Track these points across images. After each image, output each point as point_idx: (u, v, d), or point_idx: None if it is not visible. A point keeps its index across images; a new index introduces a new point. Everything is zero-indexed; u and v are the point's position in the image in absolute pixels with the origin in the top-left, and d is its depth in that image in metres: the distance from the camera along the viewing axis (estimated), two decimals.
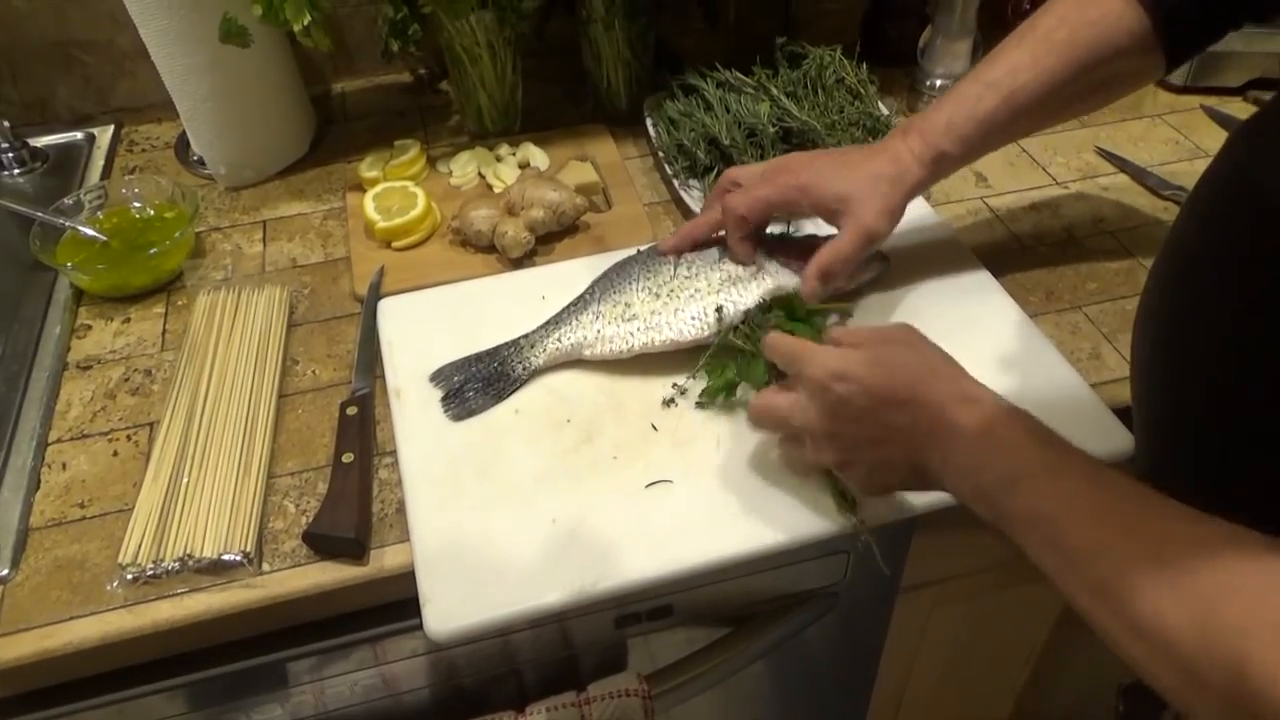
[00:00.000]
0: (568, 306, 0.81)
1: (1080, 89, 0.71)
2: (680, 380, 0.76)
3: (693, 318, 0.76)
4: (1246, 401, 0.56)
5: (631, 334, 0.77)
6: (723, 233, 0.80)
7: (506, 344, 0.79)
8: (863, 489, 0.64)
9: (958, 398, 0.57)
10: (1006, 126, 0.73)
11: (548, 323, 0.80)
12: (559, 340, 0.78)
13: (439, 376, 0.78)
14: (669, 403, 0.75)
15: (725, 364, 0.75)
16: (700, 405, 0.75)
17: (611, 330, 0.77)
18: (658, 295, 0.79)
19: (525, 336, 0.79)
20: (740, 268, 0.79)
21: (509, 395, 0.77)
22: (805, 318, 0.75)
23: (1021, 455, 0.53)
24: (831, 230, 0.76)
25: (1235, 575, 0.42)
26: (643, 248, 0.85)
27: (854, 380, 0.59)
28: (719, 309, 0.76)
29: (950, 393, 0.57)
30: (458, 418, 0.75)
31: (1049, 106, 0.72)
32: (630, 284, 0.80)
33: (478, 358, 0.79)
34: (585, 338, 0.78)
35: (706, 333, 0.76)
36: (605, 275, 0.82)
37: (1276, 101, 0.57)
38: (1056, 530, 0.49)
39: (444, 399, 0.76)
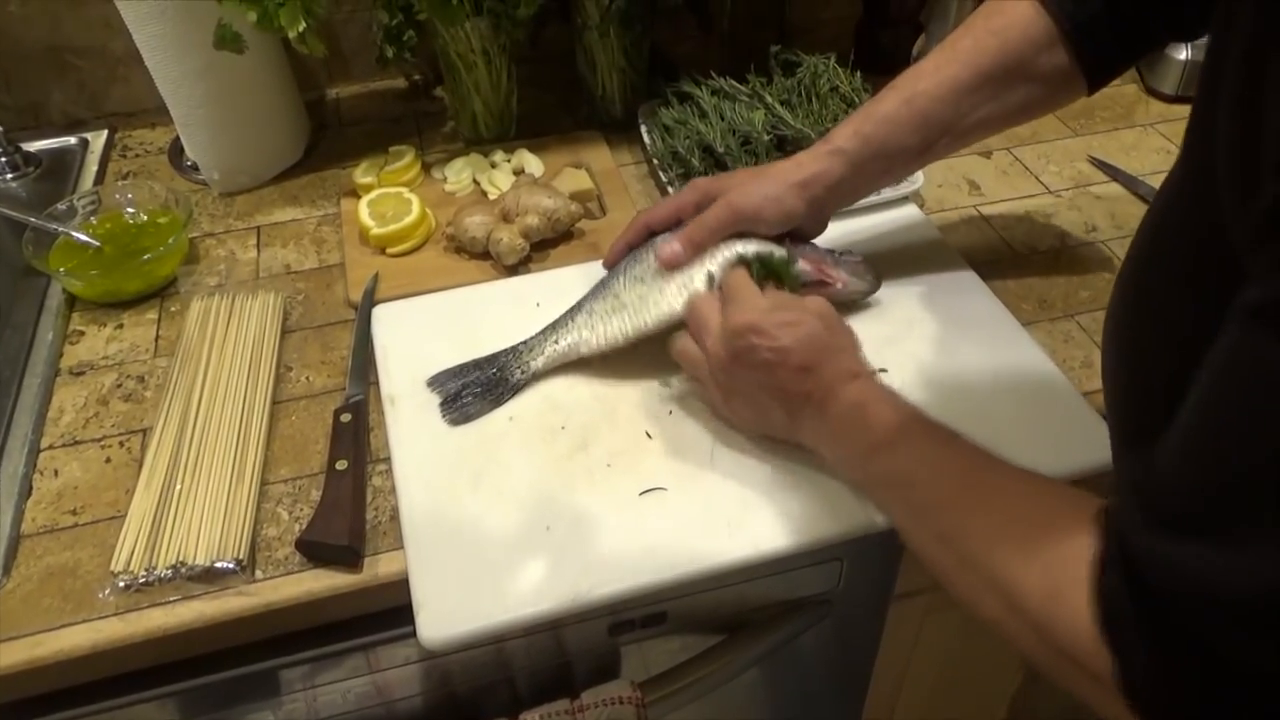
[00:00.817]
0: (564, 313, 0.81)
1: (988, 99, 0.72)
2: (674, 381, 0.76)
3: (680, 287, 0.76)
4: None
5: (624, 320, 0.77)
6: None
7: (505, 350, 0.80)
8: (736, 423, 0.72)
9: (846, 375, 0.64)
10: (914, 130, 0.73)
11: (545, 328, 0.80)
12: (556, 343, 0.78)
13: (436, 382, 0.78)
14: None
15: None
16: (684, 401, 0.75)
17: (604, 324, 0.78)
18: (642, 280, 0.78)
19: (524, 342, 0.80)
20: (719, 249, 0.78)
21: (507, 400, 0.77)
22: (785, 275, 0.75)
23: (883, 427, 0.61)
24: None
25: (1053, 519, 0.48)
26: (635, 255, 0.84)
27: (766, 336, 0.66)
28: (709, 275, 0.75)
29: (842, 370, 0.65)
30: (455, 423, 0.75)
31: (958, 114, 0.73)
32: (617, 277, 0.80)
33: (476, 364, 0.79)
34: (581, 336, 0.78)
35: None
36: (599, 282, 0.82)
37: None
38: (910, 488, 0.58)
39: (443, 404, 0.76)
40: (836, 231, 0.85)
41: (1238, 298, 0.39)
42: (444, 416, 0.76)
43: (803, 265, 0.77)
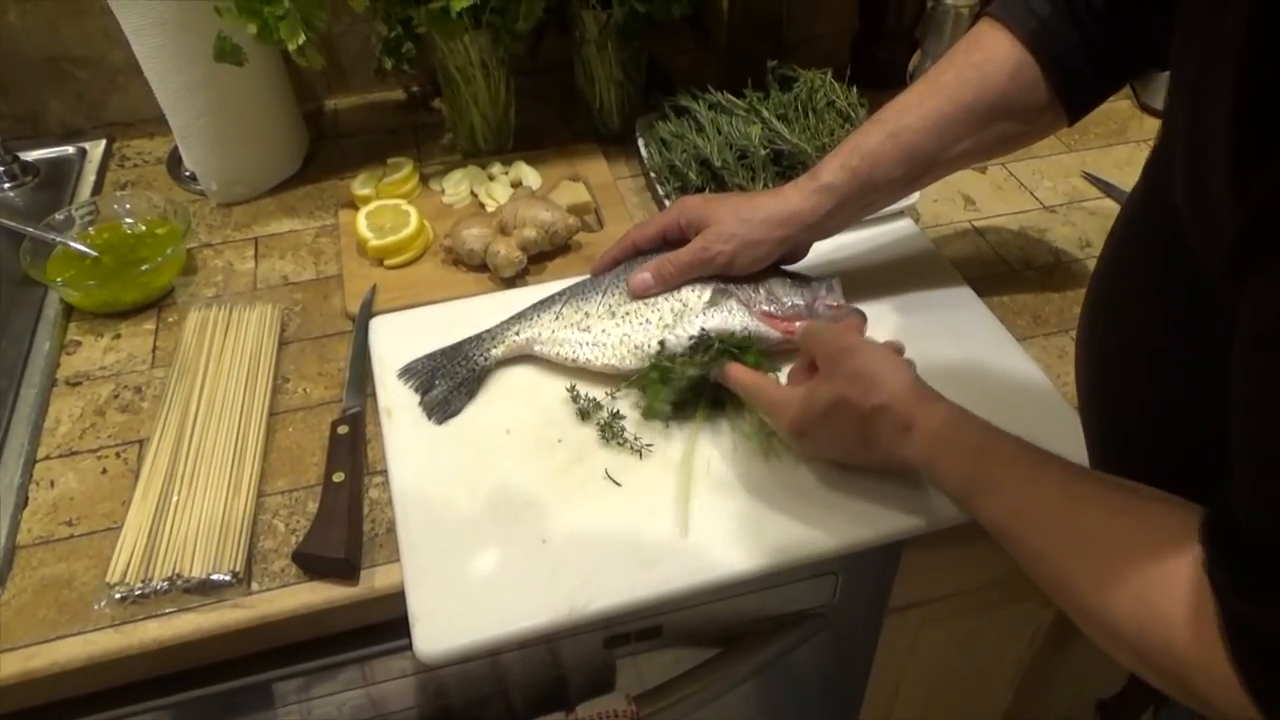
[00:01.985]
0: (536, 303, 0.82)
1: (972, 131, 0.73)
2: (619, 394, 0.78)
3: (636, 346, 0.78)
4: (1175, 427, 0.58)
5: (579, 345, 0.79)
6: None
7: (469, 338, 0.81)
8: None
9: (901, 429, 0.63)
10: (899, 164, 0.74)
11: (513, 316, 0.82)
12: (517, 334, 0.80)
13: (408, 373, 0.80)
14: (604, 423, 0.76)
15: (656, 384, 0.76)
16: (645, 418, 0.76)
17: (564, 335, 0.79)
18: (613, 315, 0.80)
19: (489, 330, 0.81)
20: (696, 299, 0.80)
21: (479, 390, 0.78)
22: (748, 354, 0.75)
23: (961, 475, 0.60)
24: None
25: (1159, 564, 0.47)
26: (624, 268, 0.84)
27: (817, 431, 0.68)
28: (662, 343, 0.77)
29: (894, 427, 0.63)
30: (440, 420, 0.76)
31: (942, 145, 0.74)
32: (596, 295, 0.82)
33: (443, 352, 0.81)
34: (539, 334, 0.80)
35: (646, 365, 0.77)
36: (581, 282, 0.84)
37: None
38: (1010, 540, 0.56)
39: (422, 402, 0.77)
40: (832, 244, 0.85)
41: (1238, 337, 0.39)
42: (429, 417, 0.77)
43: (762, 330, 0.78)
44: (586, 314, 0.80)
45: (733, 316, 0.78)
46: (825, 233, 0.80)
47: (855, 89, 1.04)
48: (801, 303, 0.80)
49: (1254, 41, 0.37)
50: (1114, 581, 0.49)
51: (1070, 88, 0.71)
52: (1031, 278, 0.92)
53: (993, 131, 0.73)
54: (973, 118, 0.72)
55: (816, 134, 0.99)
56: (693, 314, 0.79)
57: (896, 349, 0.71)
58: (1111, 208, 1.01)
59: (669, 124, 1.03)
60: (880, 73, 1.15)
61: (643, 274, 0.79)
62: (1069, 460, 0.56)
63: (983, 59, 0.72)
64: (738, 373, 0.73)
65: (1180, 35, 0.47)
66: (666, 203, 0.98)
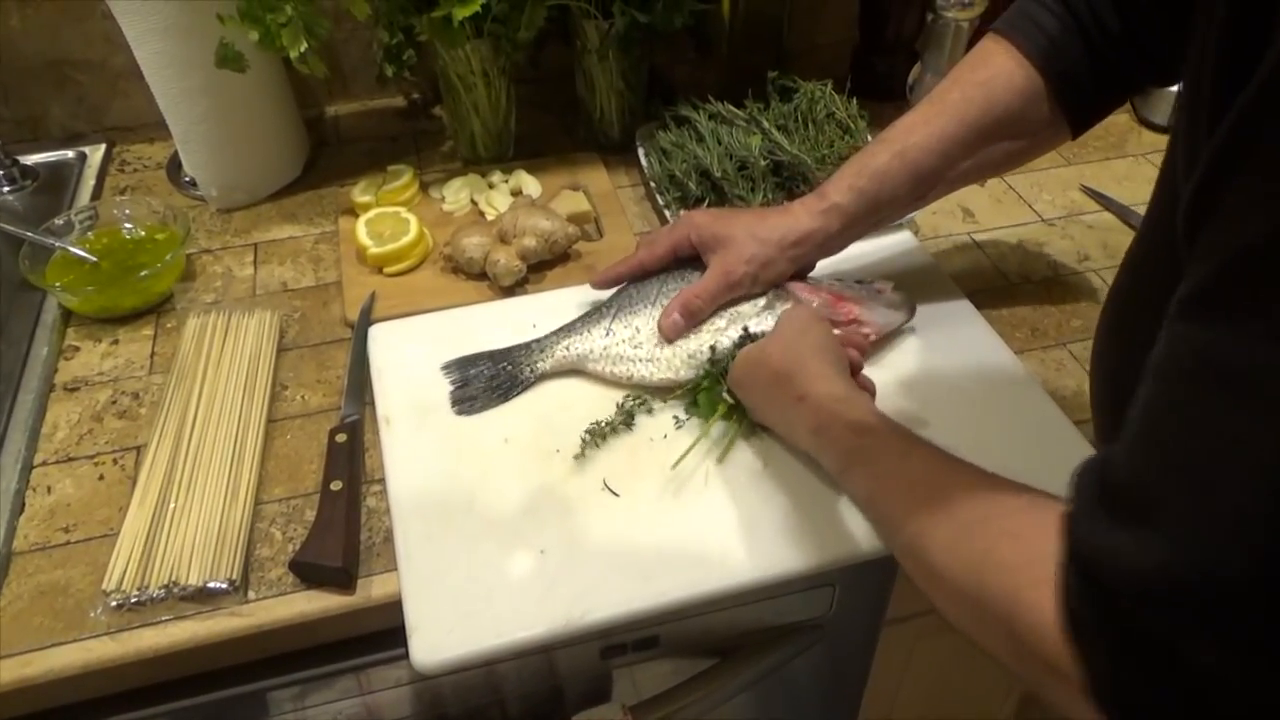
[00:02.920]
0: (585, 314, 0.82)
1: (976, 149, 0.74)
2: (669, 406, 0.78)
3: (690, 356, 0.78)
4: None
5: (633, 364, 0.78)
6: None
7: (518, 345, 0.81)
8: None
9: (795, 398, 0.67)
10: (906, 182, 0.75)
11: (562, 328, 0.82)
12: (568, 348, 0.80)
13: (451, 367, 0.80)
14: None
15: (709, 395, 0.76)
16: (681, 425, 0.77)
17: (617, 352, 0.79)
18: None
19: (538, 340, 0.81)
20: (746, 307, 0.80)
21: (514, 397, 0.78)
22: None
23: (842, 448, 0.64)
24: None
25: (1010, 522, 0.48)
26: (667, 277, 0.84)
27: (740, 377, 0.73)
28: (713, 347, 0.77)
29: (789, 394, 0.68)
30: (462, 413, 0.77)
31: (949, 164, 0.74)
32: (644, 307, 0.81)
33: (491, 355, 0.81)
34: (592, 350, 0.79)
35: (700, 373, 0.77)
36: (627, 290, 0.83)
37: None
38: (873, 506, 0.61)
39: (453, 392, 0.78)
40: (833, 256, 0.85)
41: (1155, 348, 0.40)
42: (454, 407, 0.77)
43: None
44: (637, 329, 0.80)
45: (781, 300, 0.80)
46: (832, 251, 0.81)
47: (855, 100, 1.04)
48: (863, 290, 0.82)
49: (1228, 46, 0.37)
50: (965, 535, 0.50)
51: (1076, 103, 0.71)
52: (1030, 291, 0.92)
53: (998, 149, 0.74)
54: (978, 136, 0.73)
55: (816, 145, 0.99)
56: (745, 318, 0.79)
57: (858, 345, 0.75)
58: (1110, 221, 1.01)
59: (669, 134, 1.03)
60: (880, 84, 1.16)
61: (672, 316, 0.79)
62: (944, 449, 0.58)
63: (989, 76, 0.72)
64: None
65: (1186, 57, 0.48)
66: (667, 213, 0.98)
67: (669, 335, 0.79)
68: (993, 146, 0.74)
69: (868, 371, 0.75)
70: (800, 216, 0.78)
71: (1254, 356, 0.34)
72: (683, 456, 0.73)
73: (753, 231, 0.79)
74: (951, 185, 0.77)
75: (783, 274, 0.79)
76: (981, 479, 0.54)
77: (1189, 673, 0.37)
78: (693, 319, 0.79)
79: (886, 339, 0.82)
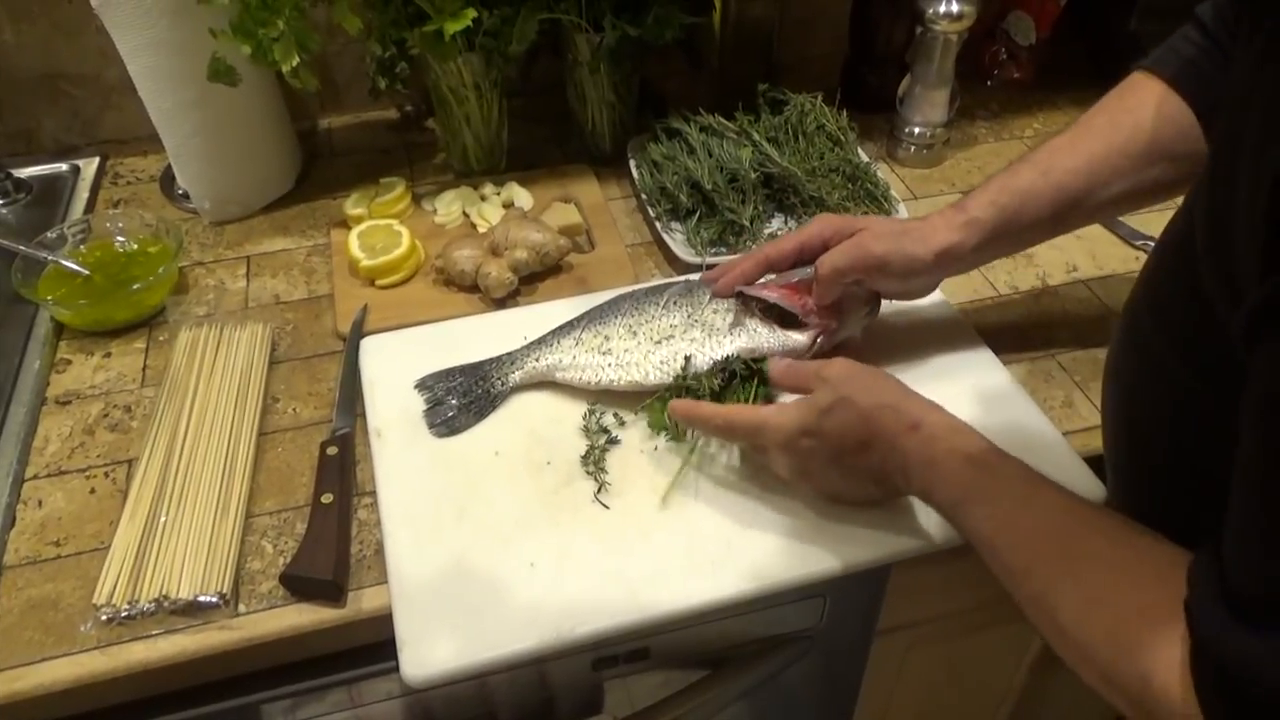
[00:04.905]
0: (554, 329, 0.83)
1: (1124, 174, 0.71)
2: (628, 417, 0.78)
3: (661, 362, 0.78)
4: (1205, 460, 0.57)
5: (602, 368, 0.79)
6: (709, 283, 0.82)
7: (490, 359, 0.82)
8: (843, 499, 0.71)
9: (906, 427, 0.63)
10: (1049, 204, 0.73)
11: (532, 343, 0.82)
12: (537, 360, 0.80)
13: (423, 384, 0.80)
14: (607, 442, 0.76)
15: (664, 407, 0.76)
16: (651, 438, 0.76)
17: (585, 359, 0.79)
18: (635, 334, 0.80)
19: (509, 354, 0.82)
20: (719, 320, 0.80)
21: (489, 413, 0.78)
22: (763, 382, 0.74)
23: (958, 482, 0.60)
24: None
25: (1141, 596, 0.48)
26: (639, 285, 0.85)
27: (816, 436, 0.66)
28: (687, 357, 0.77)
29: (898, 425, 0.63)
30: (441, 435, 0.77)
31: (1094, 187, 0.72)
32: (615, 318, 0.82)
33: (461, 369, 0.81)
34: (560, 360, 0.80)
35: (670, 379, 0.77)
36: (598, 306, 0.84)
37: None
38: (994, 552, 0.57)
39: (427, 412, 0.78)
40: None
41: (1247, 392, 0.40)
42: (430, 428, 0.77)
43: (791, 340, 0.78)
44: (606, 336, 0.80)
45: (757, 336, 0.79)
46: (963, 269, 0.78)
47: (845, 113, 1.05)
48: (809, 271, 0.78)
49: None
50: (1096, 605, 0.50)
51: None
52: (1018, 301, 0.93)
53: (1145, 176, 0.72)
54: (1125, 160, 0.71)
55: (806, 157, 1.00)
56: (720, 334, 0.79)
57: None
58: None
59: (661, 146, 1.04)
60: (870, 96, 1.16)
61: (796, 275, 0.77)
62: (1066, 487, 0.57)
63: (1136, 103, 0.71)
64: (705, 410, 0.71)
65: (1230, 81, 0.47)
66: (657, 225, 0.98)
67: (721, 291, 0.79)
68: (1142, 174, 0.72)
69: None
70: (939, 227, 0.75)
71: None
72: (670, 488, 0.73)
73: (894, 225, 0.76)
74: (1096, 211, 0.75)
75: (920, 272, 0.75)
76: (1109, 534, 0.53)
77: None
78: (825, 284, 0.76)
79: (868, 340, 0.83)
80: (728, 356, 0.77)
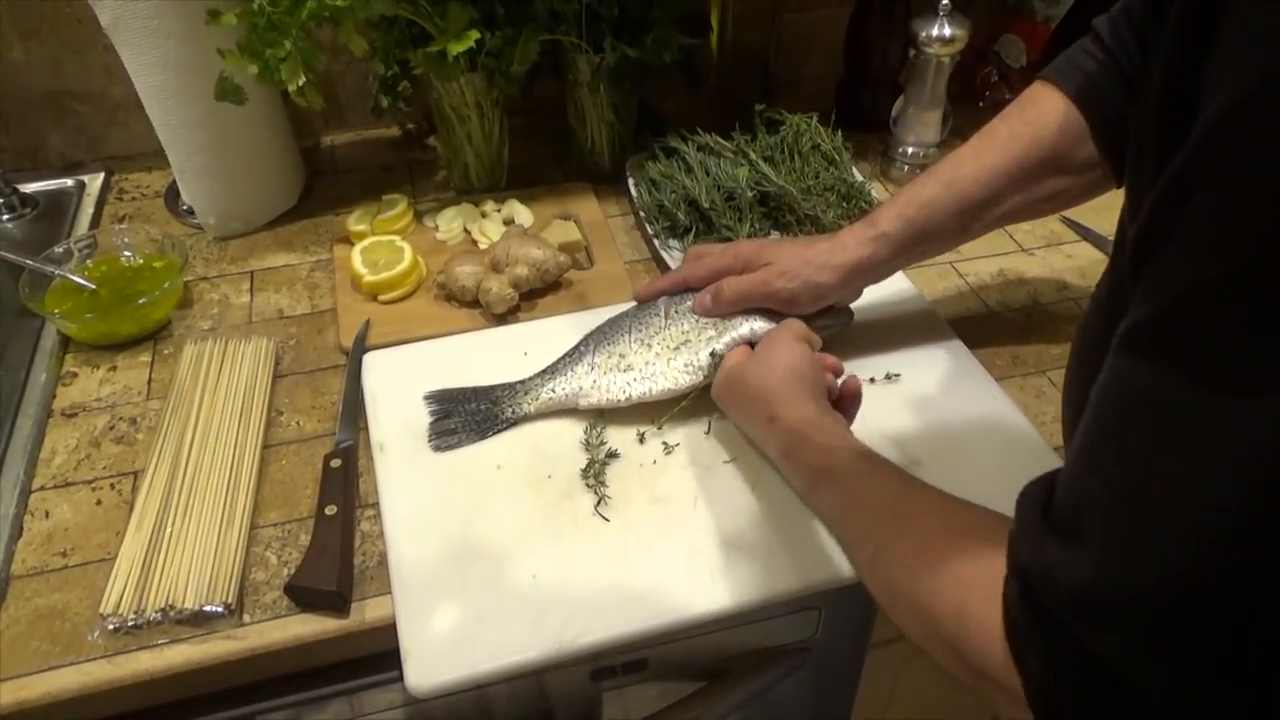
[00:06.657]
0: (561, 358, 0.83)
1: (1023, 185, 0.75)
2: (659, 432, 0.79)
3: (686, 364, 0.80)
4: None
5: (629, 384, 0.80)
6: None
7: (503, 385, 0.82)
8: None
9: (766, 419, 0.70)
10: (953, 214, 0.76)
11: (543, 372, 0.83)
12: (553, 390, 0.81)
13: (434, 398, 0.81)
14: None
15: None
16: (670, 451, 0.78)
17: (607, 380, 0.80)
18: (649, 345, 0.81)
19: (521, 382, 0.82)
20: (739, 316, 0.82)
21: (491, 435, 0.79)
22: None
23: (809, 469, 0.66)
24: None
25: (966, 540, 0.50)
26: (628, 306, 0.87)
27: (724, 386, 0.77)
28: (713, 353, 0.79)
29: (762, 414, 0.70)
30: (439, 449, 0.78)
31: (995, 197, 0.75)
32: (623, 335, 0.83)
33: (475, 391, 0.82)
34: (581, 388, 0.80)
35: (701, 379, 0.79)
36: (597, 329, 0.85)
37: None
38: (839, 527, 0.63)
39: (432, 424, 0.79)
40: None
41: (1102, 374, 0.41)
42: (430, 440, 0.78)
43: None
44: (622, 355, 0.81)
45: (767, 314, 0.81)
46: (878, 278, 0.82)
47: (840, 132, 1.07)
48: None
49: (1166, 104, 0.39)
50: (924, 555, 0.51)
51: (1116, 146, 0.71)
52: (1010, 319, 0.95)
53: (1042, 188, 0.75)
54: (1024, 172, 0.74)
55: (802, 176, 1.02)
56: (729, 327, 0.81)
57: (832, 368, 0.76)
58: (1088, 251, 1.03)
59: (659, 165, 1.05)
60: (865, 116, 1.18)
61: (704, 295, 0.82)
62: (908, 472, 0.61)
63: (1036, 115, 0.73)
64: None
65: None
66: (656, 242, 1.00)
67: (698, 310, 0.83)
68: (1039, 184, 0.74)
69: None
70: (848, 244, 0.79)
71: (1185, 395, 0.36)
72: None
73: (801, 255, 0.80)
74: (998, 220, 0.77)
75: (826, 298, 0.80)
76: (941, 500, 0.56)
77: (1118, 685, 0.39)
78: (721, 306, 0.81)
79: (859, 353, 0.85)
80: (752, 331, 0.80)
